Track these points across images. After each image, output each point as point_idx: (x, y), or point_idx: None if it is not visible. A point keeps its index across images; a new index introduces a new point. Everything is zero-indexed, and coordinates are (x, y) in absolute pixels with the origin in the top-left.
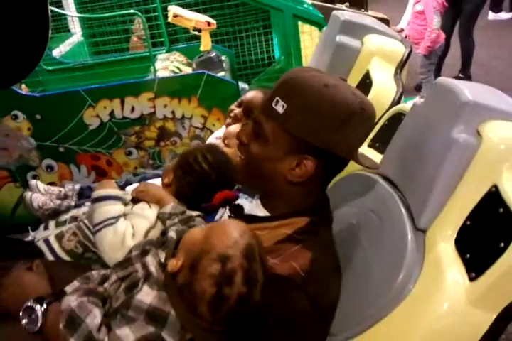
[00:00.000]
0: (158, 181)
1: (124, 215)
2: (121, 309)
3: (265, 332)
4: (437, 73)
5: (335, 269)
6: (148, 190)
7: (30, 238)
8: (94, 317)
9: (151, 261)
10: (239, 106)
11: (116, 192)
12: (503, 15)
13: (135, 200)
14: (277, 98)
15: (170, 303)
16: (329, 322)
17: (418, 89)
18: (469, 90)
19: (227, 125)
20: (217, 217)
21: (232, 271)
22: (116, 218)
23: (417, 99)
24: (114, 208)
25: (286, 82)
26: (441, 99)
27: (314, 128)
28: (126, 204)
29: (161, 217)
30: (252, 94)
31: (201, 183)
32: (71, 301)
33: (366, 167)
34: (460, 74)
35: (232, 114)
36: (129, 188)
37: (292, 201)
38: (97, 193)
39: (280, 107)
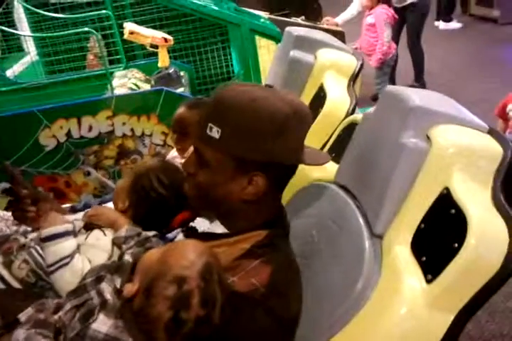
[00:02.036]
0: None
1: (78, 247)
2: (76, 339)
3: None
4: (391, 83)
5: (295, 281)
6: (101, 214)
7: None
8: None
9: (106, 288)
10: None
11: (64, 227)
12: (454, 25)
13: (88, 226)
14: (210, 124)
15: (126, 331)
16: (291, 335)
17: (375, 99)
18: (417, 96)
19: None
20: (169, 235)
21: (189, 292)
22: (71, 256)
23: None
24: (66, 246)
25: (214, 106)
26: (390, 107)
27: (254, 145)
28: (78, 231)
29: (116, 242)
30: (178, 110)
31: (160, 209)
32: (19, 335)
33: (313, 165)
34: (415, 83)
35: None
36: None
37: (250, 217)
38: (45, 232)
39: (215, 133)
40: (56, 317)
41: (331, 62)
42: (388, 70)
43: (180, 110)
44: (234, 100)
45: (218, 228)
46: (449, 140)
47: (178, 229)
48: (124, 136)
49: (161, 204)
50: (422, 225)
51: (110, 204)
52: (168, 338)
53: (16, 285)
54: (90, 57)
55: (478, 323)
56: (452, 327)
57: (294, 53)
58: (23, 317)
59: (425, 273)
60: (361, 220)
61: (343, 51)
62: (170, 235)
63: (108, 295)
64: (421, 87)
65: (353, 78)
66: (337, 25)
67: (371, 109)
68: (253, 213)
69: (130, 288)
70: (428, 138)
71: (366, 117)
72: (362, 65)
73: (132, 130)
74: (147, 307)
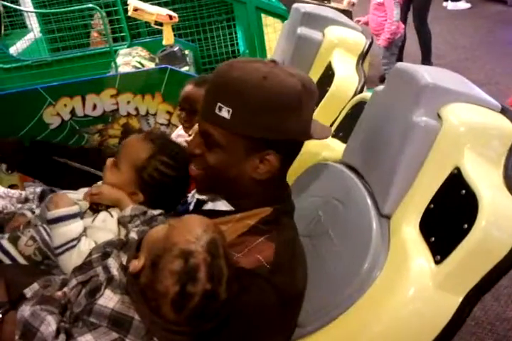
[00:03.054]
0: None
1: (85, 230)
2: (83, 315)
3: (232, 327)
4: None
5: (299, 258)
6: (103, 193)
7: None
8: (48, 324)
9: (112, 264)
10: None
11: (71, 209)
12: (462, 5)
13: (93, 207)
14: (219, 104)
15: (133, 307)
16: (296, 313)
17: (382, 80)
18: (428, 73)
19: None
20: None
21: (196, 267)
22: (77, 239)
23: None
24: (73, 228)
25: (223, 84)
26: (400, 84)
27: (267, 124)
28: (84, 212)
29: (121, 221)
30: (185, 88)
31: (176, 188)
32: (24, 311)
33: (320, 138)
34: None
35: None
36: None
37: (257, 195)
38: (52, 214)
39: (226, 113)
40: (60, 293)
41: (339, 39)
42: (396, 50)
43: (188, 87)
44: (244, 78)
45: (223, 206)
46: (461, 118)
47: (194, 193)
48: (129, 115)
49: (176, 184)
50: (432, 205)
51: None
52: (175, 314)
53: (22, 261)
54: (94, 34)
55: (483, 306)
56: (460, 309)
57: (302, 30)
58: (28, 292)
59: (434, 253)
60: (368, 200)
61: (352, 29)
62: (189, 198)
63: (114, 271)
64: None
65: (362, 56)
66: (353, 4)
67: (381, 87)
68: (261, 191)
69: (136, 264)
70: (439, 116)
71: (375, 95)
72: (371, 43)
73: (137, 109)
74: (154, 282)
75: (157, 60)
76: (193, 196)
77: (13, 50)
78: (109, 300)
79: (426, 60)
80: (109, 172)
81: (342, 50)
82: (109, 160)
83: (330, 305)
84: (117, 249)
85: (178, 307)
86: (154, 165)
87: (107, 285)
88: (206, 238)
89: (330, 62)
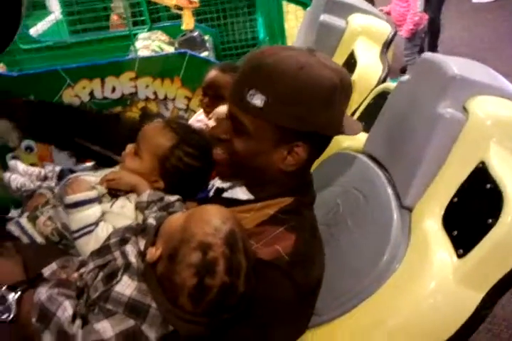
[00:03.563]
0: None
1: (103, 214)
2: (100, 301)
3: (248, 319)
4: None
5: (318, 249)
6: (120, 178)
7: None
8: (65, 309)
9: (130, 251)
10: None
11: (89, 194)
12: None
13: (112, 192)
14: (252, 91)
15: (150, 295)
16: (313, 303)
17: (403, 71)
18: (456, 65)
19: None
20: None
21: (214, 260)
22: (95, 224)
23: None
24: (90, 213)
25: (257, 70)
26: (427, 74)
27: (300, 115)
28: (103, 196)
29: (138, 207)
30: (210, 74)
31: (199, 179)
32: (41, 294)
33: (351, 134)
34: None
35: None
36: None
37: (281, 184)
38: (70, 199)
39: (258, 100)
40: (76, 274)
41: (363, 27)
42: (419, 42)
43: (213, 73)
44: (280, 66)
45: (242, 193)
46: (487, 112)
47: (214, 182)
48: (147, 99)
49: (200, 174)
50: (455, 199)
51: None
52: (193, 305)
53: (40, 240)
54: (114, 17)
55: (499, 301)
56: (481, 306)
57: (325, 17)
58: (46, 271)
59: (456, 247)
60: (390, 191)
61: (376, 17)
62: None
63: (132, 258)
64: None
65: (387, 45)
66: None
67: (406, 77)
68: (285, 181)
69: (153, 253)
70: (465, 109)
71: (400, 85)
72: (396, 32)
73: (155, 93)
74: (171, 273)
75: (176, 45)
76: (214, 183)
77: (33, 31)
78: (126, 287)
79: (433, 49)
80: (130, 160)
81: (365, 39)
82: (129, 147)
83: (348, 295)
84: (136, 235)
85: (196, 300)
86: (178, 155)
87: (124, 272)
88: (225, 230)
89: (353, 51)
